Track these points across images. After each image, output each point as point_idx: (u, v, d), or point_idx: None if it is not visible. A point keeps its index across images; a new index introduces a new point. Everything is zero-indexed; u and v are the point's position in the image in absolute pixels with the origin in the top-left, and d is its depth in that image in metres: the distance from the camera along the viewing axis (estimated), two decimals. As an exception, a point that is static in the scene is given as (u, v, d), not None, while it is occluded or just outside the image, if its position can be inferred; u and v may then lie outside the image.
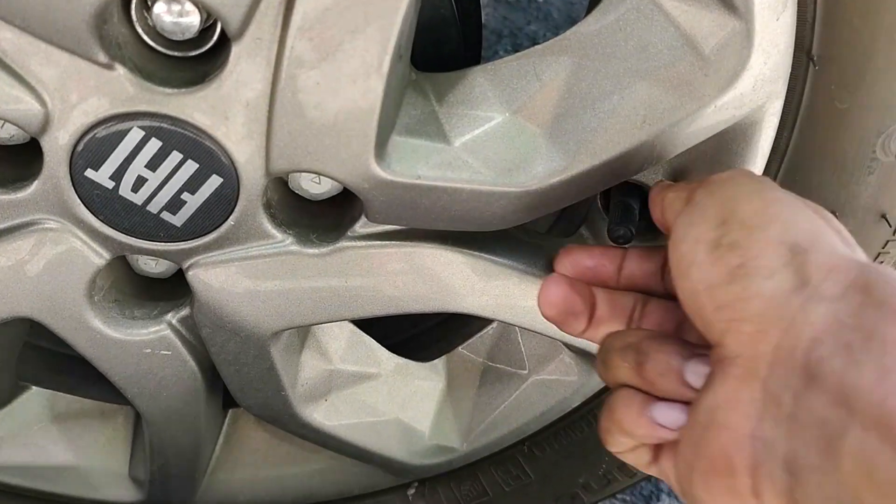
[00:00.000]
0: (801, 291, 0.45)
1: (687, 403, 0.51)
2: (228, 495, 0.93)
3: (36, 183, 0.63)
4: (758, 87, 0.60)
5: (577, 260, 0.63)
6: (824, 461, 0.41)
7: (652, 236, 0.70)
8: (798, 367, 0.43)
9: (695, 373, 0.50)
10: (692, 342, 0.53)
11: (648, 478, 1.22)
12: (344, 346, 0.82)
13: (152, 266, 0.72)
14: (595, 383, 0.83)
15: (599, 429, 0.57)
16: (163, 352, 0.73)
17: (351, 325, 0.83)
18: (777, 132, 0.65)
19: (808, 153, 0.66)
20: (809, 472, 0.42)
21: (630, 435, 0.54)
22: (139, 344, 0.72)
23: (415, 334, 0.95)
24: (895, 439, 0.39)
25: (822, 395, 0.42)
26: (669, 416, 0.51)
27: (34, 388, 0.87)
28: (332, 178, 0.61)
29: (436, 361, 0.87)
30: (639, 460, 0.56)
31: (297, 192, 0.67)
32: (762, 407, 0.44)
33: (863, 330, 0.42)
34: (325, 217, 0.69)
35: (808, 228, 0.48)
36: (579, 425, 0.87)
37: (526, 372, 0.85)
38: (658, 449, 0.55)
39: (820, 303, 0.44)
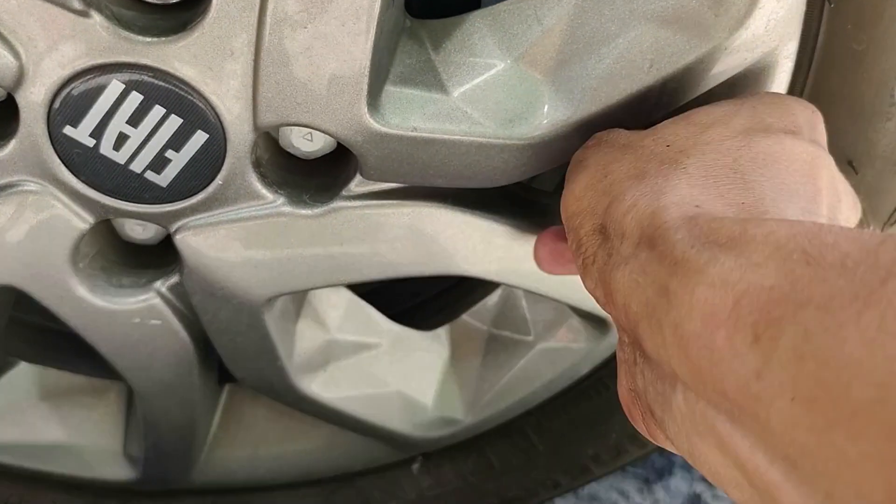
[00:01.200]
0: (609, 264, 0.46)
1: None
2: (226, 473, 0.90)
3: (13, 142, 0.60)
4: (770, 28, 0.57)
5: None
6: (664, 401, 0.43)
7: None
8: (629, 330, 0.45)
9: None
10: None
11: (660, 451, 1.19)
12: (342, 314, 0.80)
13: (139, 232, 0.69)
14: (604, 349, 0.80)
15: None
16: (152, 321, 0.70)
17: (349, 293, 0.80)
18: (791, 77, 0.62)
19: (823, 99, 0.62)
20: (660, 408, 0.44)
21: None
22: (127, 313, 0.69)
23: (416, 304, 0.92)
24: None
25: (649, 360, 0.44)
26: None
27: (22, 363, 0.85)
28: (323, 132, 0.58)
29: (438, 330, 0.84)
30: None
31: (288, 150, 0.63)
32: (629, 365, 0.47)
33: (655, 286, 0.42)
34: (318, 176, 0.66)
35: (603, 206, 0.49)
36: (588, 394, 0.84)
37: (532, 339, 0.82)
38: None
39: (618, 267, 0.45)
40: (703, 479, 1.18)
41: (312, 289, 0.68)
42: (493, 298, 0.83)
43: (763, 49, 0.58)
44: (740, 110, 0.51)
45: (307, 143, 0.63)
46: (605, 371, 0.82)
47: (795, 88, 0.62)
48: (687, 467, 1.19)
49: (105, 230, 0.69)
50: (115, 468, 0.87)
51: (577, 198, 0.51)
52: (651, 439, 0.48)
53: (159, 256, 0.71)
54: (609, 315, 0.49)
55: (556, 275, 0.65)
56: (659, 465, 1.19)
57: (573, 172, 0.54)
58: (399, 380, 0.83)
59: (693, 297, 0.38)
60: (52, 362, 0.86)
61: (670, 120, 0.53)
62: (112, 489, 0.89)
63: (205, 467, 0.89)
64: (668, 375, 0.42)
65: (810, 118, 0.53)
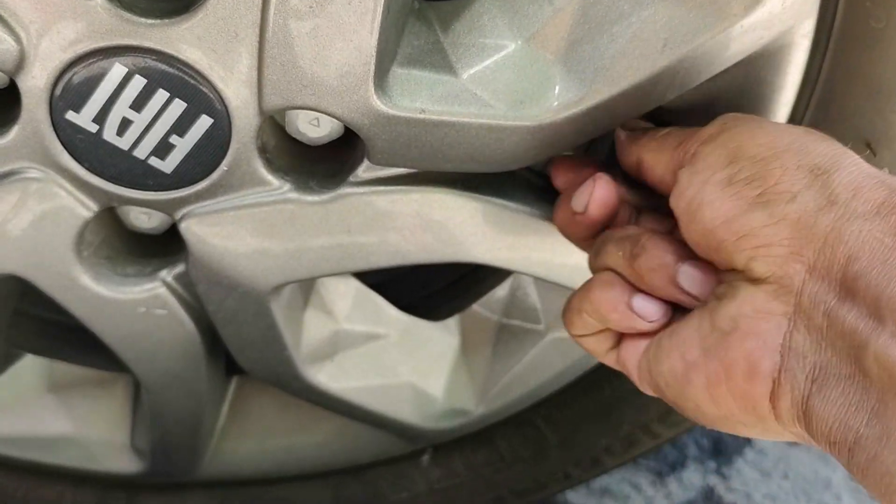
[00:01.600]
0: (830, 210, 0.44)
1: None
2: (234, 466, 0.89)
3: (16, 128, 0.59)
4: (788, 5, 0.56)
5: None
6: (852, 369, 0.42)
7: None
8: (834, 284, 0.43)
9: (687, 275, 0.51)
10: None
11: (673, 443, 1.18)
12: (350, 304, 0.79)
13: (144, 220, 0.68)
14: (616, 338, 0.79)
15: (567, 307, 0.57)
16: (158, 311, 0.69)
17: (357, 282, 0.79)
18: (809, 56, 0.60)
19: (841, 78, 0.61)
20: (836, 380, 0.43)
21: (601, 319, 0.55)
22: (132, 303, 0.68)
23: (425, 295, 0.91)
24: None
25: (855, 309, 0.42)
26: (650, 308, 0.53)
27: (28, 356, 0.84)
28: (329, 115, 0.57)
29: (448, 321, 0.83)
30: (598, 346, 0.57)
31: (294, 136, 0.62)
32: (794, 320, 0.45)
33: None
34: (324, 162, 0.65)
35: (826, 151, 0.47)
36: (600, 385, 0.83)
37: (543, 328, 0.81)
38: (620, 338, 0.56)
39: (852, 221, 0.44)
40: (717, 472, 1.17)
41: (320, 277, 0.67)
42: (504, 288, 0.81)
43: (780, 27, 0.57)
44: None
45: (314, 128, 0.62)
46: (618, 361, 0.81)
47: (813, 67, 0.61)
48: (700, 459, 1.18)
49: (110, 219, 0.68)
50: (122, 461, 0.86)
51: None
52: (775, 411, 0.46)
53: (165, 245, 0.70)
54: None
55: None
56: (672, 457, 1.18)
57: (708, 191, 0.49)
58: (408, 370, 0.82)
59: None
60: (59, 355, 0.85)
61: None
62: (119, 482, 0.89)
63: (213, 460, 0.88)
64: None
65: None
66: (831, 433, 0.42)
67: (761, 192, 0.46)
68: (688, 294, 0.51)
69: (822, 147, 0.47)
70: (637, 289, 0.53)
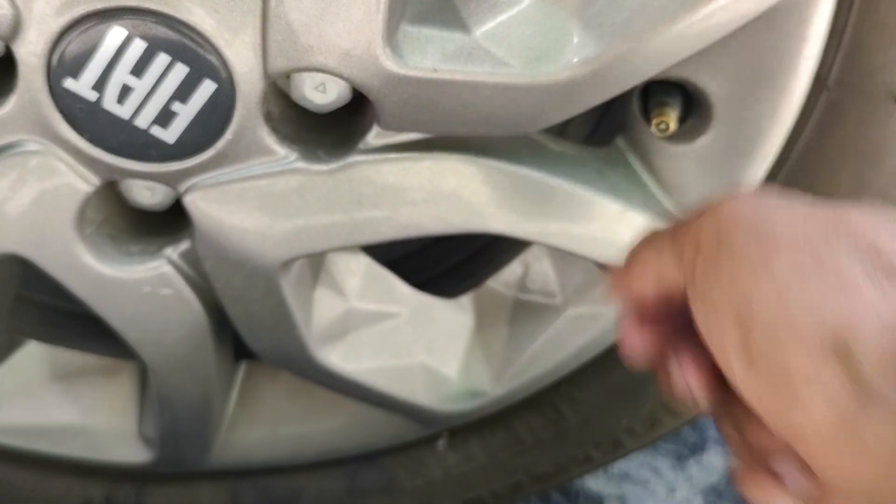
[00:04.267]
0: (859, 400, 0.36)
1: None
2: (245, 454, 0.87)
3: (13, 98, 0.57)
4: (814, -48, 0.53)
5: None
6: None
7: (691, 137, 0.64)
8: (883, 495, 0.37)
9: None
10: None
11: (693, 425, 1.16)
12: (361, 282, 0.76)
13: (147, 196, 0.66)
14: (636, 312, 0.76)
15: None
16: (163, 290, 0.67)
17: (368, 259, 0.77)
18: (835, 6, 0.58)
19: (868, 31, 0.59)
20: None
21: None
22: (137, 282, 0.66)
23: (438, 274, 0.88)
24: None
25: None
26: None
27: (31, 343, 0.82)
28: (338, 76, 0.54)
29: (462, 298, 0.81)
30: None
31: (300, 103, 0.60)
32: None
33: None
34: (332, 130, 0.62)
35: (840, 304, 0.38)
36: (621, 362, 0.80)
37: (561, 303, 0.78)
38: None
39: (879, 410, 0.36)
40: (738, 455, 1.15)
41: (330, 250, 0.65)
42: (519, 263, 0.79)
43: (805, -25, 0.54)
44: None
45: (320, 94, 0.59)
46: (638, 336, 0.79)
47: (839, 19, 0.58)
48: (722, 442, 1.15)
49: (112, 196, 0.66)
50: (130, 450, 0.83)
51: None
52: None
53: (169, 222, 0.68)
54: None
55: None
56: (692, 440, 1.15)
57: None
58: (421, 350, 0.80)
59: None
60: (63, 342, 0.83)
61: None
62: (128, 473, 0.86)
63: (223, 448, 0.86)
64: None
65: None
66: None
67: (790, 382, 0.38)
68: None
69: (833, 294, 0.38)
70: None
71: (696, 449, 1.15)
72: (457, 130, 0.58)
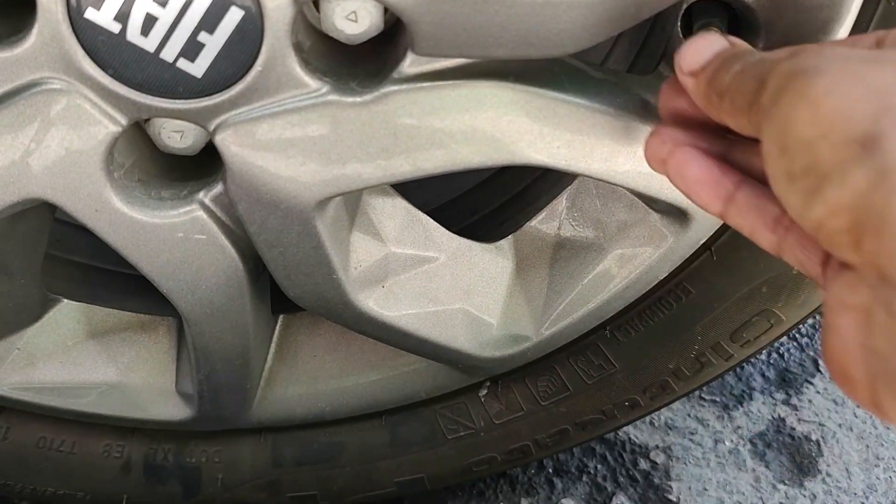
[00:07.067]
0: (882, 186, 0.38)
1: None
2: (285, 410, 0.85)
3: (33, 33, 0.55)
4: None
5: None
6: None
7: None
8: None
9: None
10: None
11: (738, 375, 1.13)
12: (399, 225, 0.74)
13: (177, 140, 0.64)
14: (685, 248, 0.73)
15: None
16: (196, 236, 0.65)
17: (405, 203, 0.74)
18: None
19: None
20: None
21: None
22: (169, 227, 0.64)
23: (475, 221, 0.86)
24: None
25: None
26: None
27: (65, 301, 0.80)
28: (369, -3, 0.52)
29: (501, 241, 0.78)
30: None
31: (330, 33, 0.58)
32: (872, 316, 0.41)
33: None
34: (365, 61, 0.60)
35: (871, 111, 0.40)
36: (667, 301, 0.78)
37: (604, 242, 0.76)
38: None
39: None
40: (787, 403, 1.12)
41: (366, 187, 0.62)
42: (560, 201, 0.76)
43: None
44: None
45: (351, 24, 0.57)
46: (685, 274, 0.76)
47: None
48: (768, 391, 1.12)
49: (141, 140, 0.64)
50: (168, 407, 0.82)
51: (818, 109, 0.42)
52: (879, 414, 0.42)
53: (200, 166, 0.66)
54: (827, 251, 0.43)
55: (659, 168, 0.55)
56: (737, 390, 1.13)
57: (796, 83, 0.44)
58: (461, 295, 0.77)
59: None
60: (98, 300, 0.82)
61: None
62: (167, 430, 0.85)
63: (261, 404, 0.84)
64: None
65: None
66: None
67: (816, 180, 0.41)
68: None
69: (865, 102, 0.41)
70: None
71: (742, 398, 1.12)
72: (494, 53, 0.56)
